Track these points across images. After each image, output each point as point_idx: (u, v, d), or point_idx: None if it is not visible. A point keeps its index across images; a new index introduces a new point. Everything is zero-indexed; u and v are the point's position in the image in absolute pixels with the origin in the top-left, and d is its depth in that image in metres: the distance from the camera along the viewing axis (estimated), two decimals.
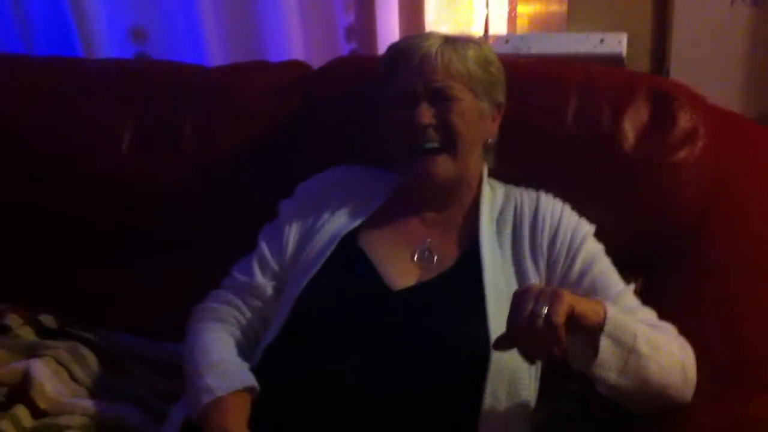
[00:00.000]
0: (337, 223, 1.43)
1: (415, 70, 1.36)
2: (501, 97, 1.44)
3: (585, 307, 1.10)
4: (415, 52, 1.37)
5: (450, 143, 1.36)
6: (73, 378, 1.55)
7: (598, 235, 1.40)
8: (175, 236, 1.74)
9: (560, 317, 1.05)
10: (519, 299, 1.09)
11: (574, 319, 1.08)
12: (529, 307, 1.06)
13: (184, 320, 1.57)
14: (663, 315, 1.29)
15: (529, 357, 1.12)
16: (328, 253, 1.37)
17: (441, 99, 1.36)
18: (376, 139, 1.45)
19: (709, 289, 1.40)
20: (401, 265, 1.37)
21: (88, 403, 1.48)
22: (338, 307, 1.31)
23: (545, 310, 1.05)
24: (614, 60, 2.03)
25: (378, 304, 1.30)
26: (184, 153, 1.69)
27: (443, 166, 1.37)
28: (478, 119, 1.39)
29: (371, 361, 1.23)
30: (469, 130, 1.38)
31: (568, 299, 1.07)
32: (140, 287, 1.75)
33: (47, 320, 1.70)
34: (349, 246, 1.39)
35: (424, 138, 1.36)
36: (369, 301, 1.31)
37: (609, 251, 1.38)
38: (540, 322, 1.05)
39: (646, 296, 1.37)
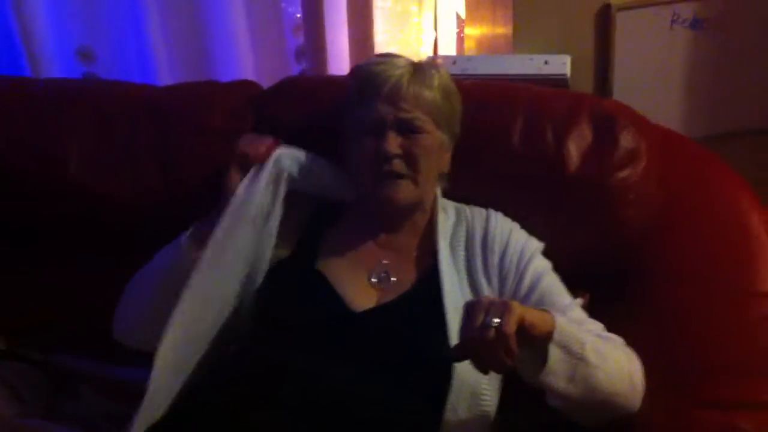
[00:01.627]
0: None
1: (385, 99, 1.39)
2: (457, 129, 1.47)
3: (534, 317, 1.13)
4: (385, 80, 1.39)
5: (413, 173, 1.39)
6: (22, 399, 1.54)
7: (546, 253, 1.43)
8: (129, 256, 1.68)
9: (511, 327, 1.06)
10: (470, 310, 1.10)
11: (524, 329, 1.09)
12: (480, 317, 1.08)
13: None
14: (610, 328, 1.32)
15: (482, 368, 1.12)
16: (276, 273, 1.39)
17: (408, 130, 1.39)
18: (336, 160, 1.47)
19: (655, 301, 1.43)
20: (359, 286, 1.39)
21: (35, 425, 1.47)
22: (300, 328, 1.32)
23: (496, 321, 1.07)
24: (559, 81, 2.06)
25: (340, 326, 1.32)
26: (143, 171, 1.68)
27: (405, 191, 1.40)
28: (438, 152, 1.43)
29: (335, 381, 1.24)
30: (430, 164, 1.42)
31: (519, 310, 1.09)
32: (95, 307, 1.67)
33: None
34: (302, 267, 1.41)
35: (390, 167, 1.38)
36: (331, 322, 1.32)
37: (556, 267, 1.42)
38: (491, 332, 1.06)
39: (593, 311, 1.39)
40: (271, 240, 1.42)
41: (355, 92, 1.44)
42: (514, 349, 1.07)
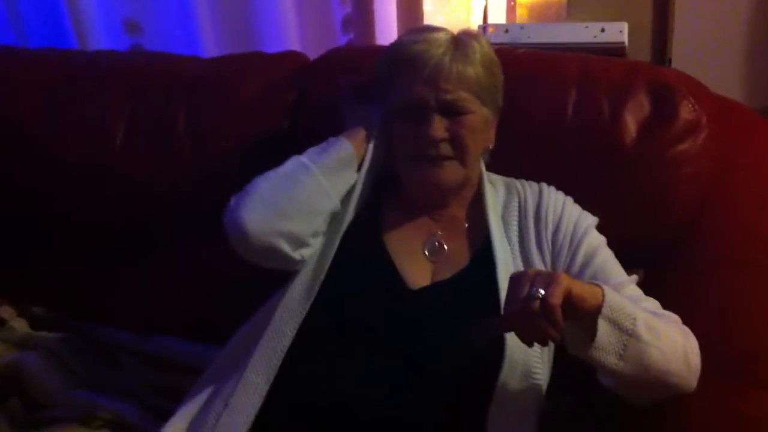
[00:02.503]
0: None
1: (427, 80, 1.34)
2: (500, 100, 1.43)
3: (582, 289, 1.10)
4: (426, 60, 1.34)
5: (460, 155, 1.36)
6: (69, 370, 1.55)
7: (599, 228, 1.39)
8: (168, 231, 1.71)
9: (556, 299, 1.04)
10: (515, 282, 1.08)
11: (571, 302, 1.07)
12: (525, 289, 1.06)
13: (180, 315, 1.57)
14: (665, 308, 1.28)
15: (527, 339, 1.10)
16: (347, 236, 1.36)
17: (453, 112, 1.35)
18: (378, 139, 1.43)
19: (707, 283, 1.39)
20: (415, 260, 1.37)
21: (84, 397, 1.48)
22: (358, 306, 1.30)
23: (541, 293, 1.04)
24: (616, 50, 2.00)
25: (397, 303, 1.30)
26: (178, 147, 1.67)
27: (452, 173, 1.37)
28: (484, 129, 1.39)
29: (388, 360, 1.23)
30: (477, 143, 1.38)
31: (565, 282, 1.06)
32: (136, 283, 1.72)
33: (41, 312, 1.69)
34: (367, 232, 1.38)
35: (436, 150, 1.35)
36: (388, 300, 1.31)
37: (610, 244, 1.37)
38: (536, 304, 1.04)
39: (645, 289, 1.34)
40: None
41: (393, 71, 1.39)
42: (560, 321, 1.04)
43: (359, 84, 1.49)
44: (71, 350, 1.58)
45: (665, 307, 1.27)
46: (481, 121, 1.37)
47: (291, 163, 1.37)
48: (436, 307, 1.30)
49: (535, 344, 1.11)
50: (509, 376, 1.23)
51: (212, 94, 1.69)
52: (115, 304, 1.72)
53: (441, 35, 1.37)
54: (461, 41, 1.37)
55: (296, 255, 1.34)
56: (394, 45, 1.43)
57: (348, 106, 1.48)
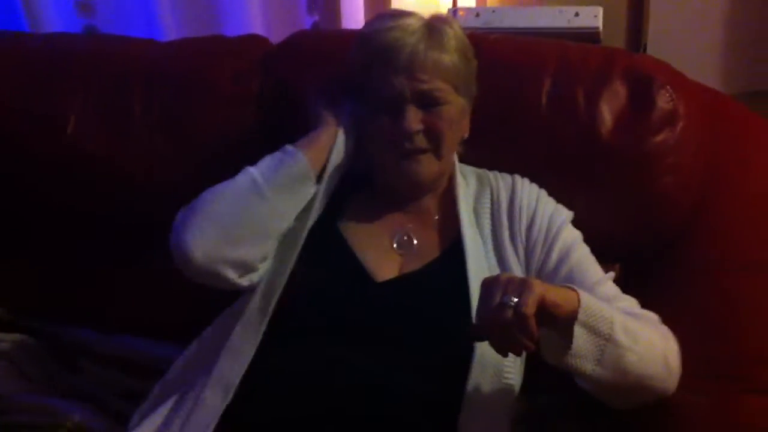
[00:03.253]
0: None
1: (402, 70, 1.28)
2: (475, 89, 1.38)
3: (556, 295, 1.06)
4: (399, 48, 1.28)
5: (436, 147, 1.31)
6: (23, 374, 1.51)
7: (575, 221, 1.35)
8: (126, 224, 1.64)
9: (530, 308, 1.00)
10: (486, 290, 1.05)
11: (545, 309, 1.03)
12: (497, 296, 1.02)
13: (145, 316, 1.53)
14: (644, 306, 1.26)
15: (500, 350, 1.06)
16: (307, 240, 1.31)
17: (429, 103, 1.29)
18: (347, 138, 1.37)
19: (694, 283, 1.36)
20: (382, 253, 1.33)
21: (38, 401, 1.43)
22: (323, 300, 1.26)
23: (514, 301, 1.00)
24: (590, 35, 1.95)
25: (362, 296, 1.27)
26: (135, 136, 1.59)
27: (427, 165, 1.32)
28: (459, 120, 1.35)
29: (355, 355, 1.19)
30: (453, 134, 1.34)
31: (538, 289, 1.03)
32: (96, 281, 1.66)
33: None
34: (328, 232, 1.33)
35: (411, 144, 1.30)
36: (353, 294, 1.27)
37: (586, 239, 1.34)
38: (508, 313, 1.00)
39: (625, 286, 1.31)
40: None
41: (366, 61, 1.32)
42: (534, 330, 1.01)
43: (329, 80, 1.43)
44: (27, 354, 1.54)
45: (648, 305, 1.25)
46: (457, 111, 1.32)
47: (243, 179, 1.30)
48: (403, 300, 1.26)
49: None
50: (480, 377, 1.20)
51: (171, 81, 1.61)
52: (80, 302, 1.65)
53: (413, 21, 1.31)
54: (434, 27, 1.31)
55: (243, 281, 1.29)
56: (364, 34, 1.36)
57: (316, 105, 1.41)
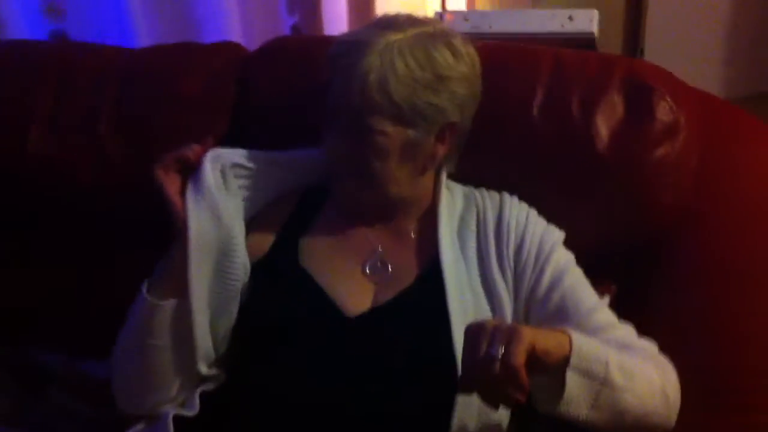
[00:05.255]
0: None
1: (340, 88, 1.20)
2: (453, 117, 1.24)
3: (547, 342, 1.00)
4: (345, 64, 1.19)
5: (366, 177, 1.22)
6: None
7: (570, 239, 1.28)
8: (97, 236, 1.57)
9: (518, 358, 0.94)
10: (471, 339, 0.97)
11: (535, 358, 0.97)
12: (483, 348, 0.95)
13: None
14: (642, 325, 1.21)
15: (489, 403, 0.99)
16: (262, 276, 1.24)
17: (359, 130, 1.20)
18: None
19: (692, 297, 1.30)
20: (352, 282, 1.24)
21: None
22: (286, 339, 1.18)
23: (501, 351, 0.94)
24: (585, 40, 1.88)
25: (332, 334, 1.19)
26: (106, 146, 1.51)
27: (361, 191, 1.25)
28: (403, 150, 1.22)
29: (329, 397, 1.14)
30: (389, 165, 1.22)
31: (528, 336, 0.96)
32: (67, 295, 1.59)
33: None
34: (287, 265, 1.25)
35: (337, 168, 1.25)
36: (321, 332, 1.19)
37: (580, 257, 1.27)
38: (496, 365, 0.94)
39: (621, 305, 1.26)
40: (241, 246, 1.25)
41: (328, 70, 1.25)
42: (524, 383, 0.94)
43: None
44: None
45: (647, 324, 1.21)
46: (397, 144, 1.20)
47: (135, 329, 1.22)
48: (378, 336, 1.18)
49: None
50: (465, 415, 1.13)
51: (146, 88, 1.53)
52: (50, 320, 1.58)
53: (380, 38, 1.19)
54: (399, 46, 1.18)
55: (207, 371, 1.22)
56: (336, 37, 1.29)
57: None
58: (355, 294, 1.22)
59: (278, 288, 1.22)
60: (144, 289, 1.21)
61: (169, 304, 1.19)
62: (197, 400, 1.19)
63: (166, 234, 1.25)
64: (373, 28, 1.22)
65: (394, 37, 1.19)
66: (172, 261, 1.21)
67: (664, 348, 1.17)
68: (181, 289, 1.19)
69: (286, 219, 1.30)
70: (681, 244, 1.36)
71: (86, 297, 1.57)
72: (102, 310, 1.46)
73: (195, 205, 1.23)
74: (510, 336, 0.95)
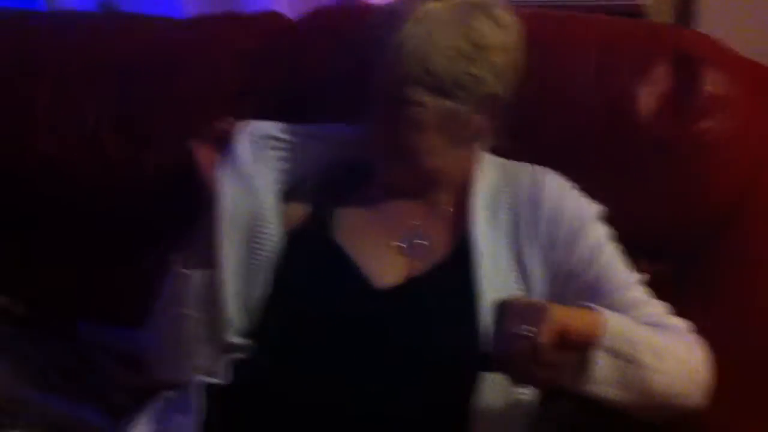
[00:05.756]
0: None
1: (377, 59, 1.17)
2: (493, 88, 1.20)
3: (577, 322, 1.00)
4: (381, 35, 1.17)
5: (404, 155, 1.20)
6: (41, 371, 1.49)
7: (612, 216, 1.24)
8: (94, 232, 1.58)
9: (548, 337, 0.95)
10: (500, 315, 0.98)
11: (566, 338, 0.97)
12: (512, 326, 0.96)
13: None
14: (685, 308, 1.18)
15: (516, 381, 1.01)
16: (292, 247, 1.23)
17: (395, 101, 1.17)
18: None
19: (740, 284, 1.28)
20: (386, 255, 1.23)
21: (47, 401, 1.42)
22: (315, 312, 1.18)
23: (531, 330, 0.94)
24: (634, 9, 1.82)
25: (358, 306, 1.18)
26: (103, 147, 1.52)
27: (401, 176, 1.24)
28: (441, 122, 1.19)
29: (351, 373, 1.15)
30: (426, 137, 1.19)
31: (559, 316, 0.97)
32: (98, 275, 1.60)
33: (13, 307, 1.59)
34: (320, 239, 1.24)
35: (375, 141, 1.22)
36: (347, 304, 1.18)
37: (620, 232, 1.23)
38: (525, 344, 0.95)
39: (663, 286, 1.22)
40: (273, 218, 1.25)
41: (371, 40, 1.21)
42: (553, 362, 0.96)
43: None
44: (45, 354, 1.51)
45: (684, 305, 1.18)
46: (434, 115, 1.18)
47: (170, 317, 1.24)
48: (405, 309, 1.18)
49: None
50: (490, 391, 1.13)
51: (176, 63, 1.52)
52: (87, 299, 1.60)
53: (423, 8, 1.16)
54: (442, 17, 1.16)
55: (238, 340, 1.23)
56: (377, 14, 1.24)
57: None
58: (388, 267, 1.22)
59: (308, 260, 1.23)
60: (175, 260, 1.23)
61: (198, 274, 1.21)
62: (229, 369, 1.20)
63: (166, 234, 1.29)
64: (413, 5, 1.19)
65: (434, 5, 1.17)
66: (204, 232, 1.23)
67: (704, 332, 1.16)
68: (211, 260, 1.21)
69: (321, 191, 1.30)
70: (724, 220, 1.32)
71: (86, 297, 1.59)
72: (102, 310, 1.56)
73: (227, 177, 1.24)
74: (539, 315, 0.95)
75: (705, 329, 1.16)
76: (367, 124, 1.23)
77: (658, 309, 1.17)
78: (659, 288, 1.21)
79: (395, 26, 1.15)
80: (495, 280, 1.18)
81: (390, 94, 1.17)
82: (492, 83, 1.19)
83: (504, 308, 0.97)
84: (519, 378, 0.99)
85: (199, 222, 1.25)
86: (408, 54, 1.14)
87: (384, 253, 1.23)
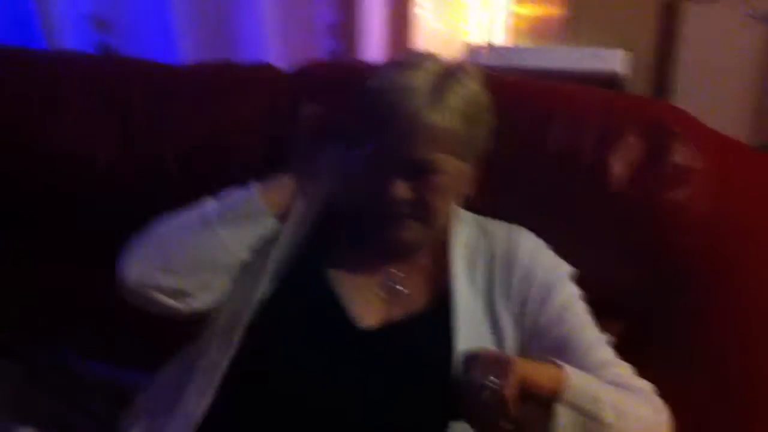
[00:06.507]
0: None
1: (397, 134, 1.19)
2: (486, 146, 1.27)
3: (541, 375, 1.05)
4: (400, 112, 1.19)
5: (424, 217, 1.23)
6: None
7: (580, 275, 1.28)
8: (94, 232, 1.60)
9: (510, 389, 0.99)
10: (467, 367, 1.03)
11: (527, 389, 1.02)
12: (477, 377, 1.01)
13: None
14: (647, 366, 1.20)
15: (479, 430, 1.04)
16: (288, 276, 1.27)
17: (421, 171, 1.20)
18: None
19: (701, 340, 1.33)
20: (367, 297, 1.26)
21: None
22: (297, 340, 1.21)
23: (495, 382, 0.99)
24: (611, 79, 1.88)
25: (340, 343, 1.21)
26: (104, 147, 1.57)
27: (414, 231, 1.24)
28: (458, 186, 1.25)
29: (327, 404, 1.16)
30: (447, 202, 1.25)
31: (521, 369, 1.02)
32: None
33: None
34: (312, 271, 1.28)
35: (398, 208, 1.22)
36: (332, 339, 1.21)
37: (589, 293, 1.26)
38: (488, 394, 0.99)
39: (626, 344, 1.27)
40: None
41: (366, 116, 1.24)
42: (514, 413, 0.99)
43: (322, 120, 1.38)
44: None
45: (653, 365, 1.21)
46: (453, 179, 1.23)
47: (196, 209, 1.30)
48: (384, 351, 1.20)
49: None
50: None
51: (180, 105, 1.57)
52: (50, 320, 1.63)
53: (421, 76, 1.21)
54: (443, 85, 1.21)
55: (180, 305, 1.27)
56: (370, 87, 1.25)
57: (302, 142, 1.37)
58: (368, 309, 1.24)
59: (301, 292, 1.26)
60: (255, 191, 1.30)
61: (271, 220, 1.30)
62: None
63: None
64: (407, 70, 1.22)
65: (423, 74, 1.21)
66: (281, 178, 1.33)
67: (672, 382, 1.18)
68: (281, 215, 1.30)
69: (316, 227, 1.33)
70: (693, 287, 1.36)
71: (86, 297, 1.61)
72: (102, 310, 1.54)
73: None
74: (504, 367, 1.00)
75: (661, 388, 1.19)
76: (386, 193, 1.21)
77: (624, 370, 1.19)
78: (623, 345, 1.25)
79: (400, 101, 1.18)
80: (469, 332, 1.20)
81: (416, 164, 1.19)
82: (487, 140, 1.26)
83: (472, 360, 1.02)
84: (483, 429, 1.02)
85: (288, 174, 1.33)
86: (425, 125, 1.18)
87: (366, 296, 1.26)
